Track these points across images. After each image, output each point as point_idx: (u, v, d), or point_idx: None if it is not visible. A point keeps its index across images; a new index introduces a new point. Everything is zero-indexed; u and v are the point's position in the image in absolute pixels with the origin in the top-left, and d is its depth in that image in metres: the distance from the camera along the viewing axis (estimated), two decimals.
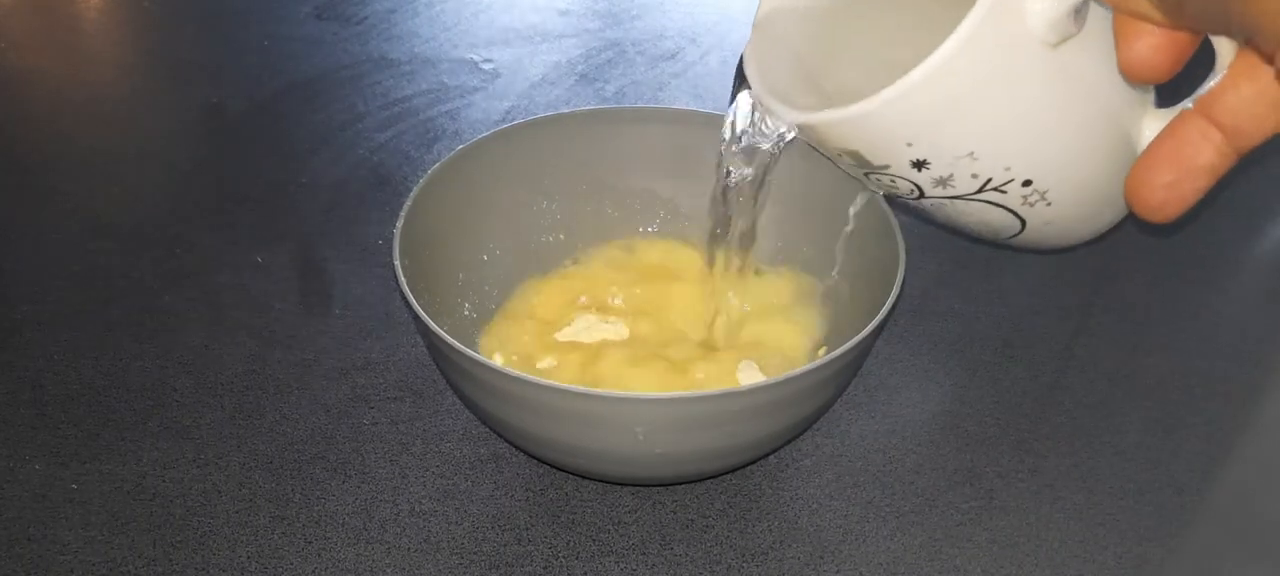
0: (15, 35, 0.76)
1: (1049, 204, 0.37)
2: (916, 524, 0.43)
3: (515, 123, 0.50)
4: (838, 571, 0.41)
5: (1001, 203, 0.36)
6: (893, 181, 0.37)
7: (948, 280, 0.55)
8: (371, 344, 0.50)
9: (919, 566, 0.41)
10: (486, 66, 0.72)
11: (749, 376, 0.45)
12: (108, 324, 0.51)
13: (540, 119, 0.50)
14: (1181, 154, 0.32)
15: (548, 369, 0.46)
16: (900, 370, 0.50)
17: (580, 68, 0.72)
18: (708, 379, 0.45)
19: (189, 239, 0.57)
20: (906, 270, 0.42)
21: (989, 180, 0.35)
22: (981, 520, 0.43)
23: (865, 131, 0.35)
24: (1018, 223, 0.38)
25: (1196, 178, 0.32)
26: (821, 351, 0.47)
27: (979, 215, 0.38)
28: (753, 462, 0.44)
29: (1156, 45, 0.31)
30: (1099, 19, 0.34)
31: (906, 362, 0.50)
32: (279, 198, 0.60)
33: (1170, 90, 0.35)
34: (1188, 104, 0.33)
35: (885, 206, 0.45)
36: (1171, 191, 0.32)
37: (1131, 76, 0.32)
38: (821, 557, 0.41)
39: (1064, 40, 0.33)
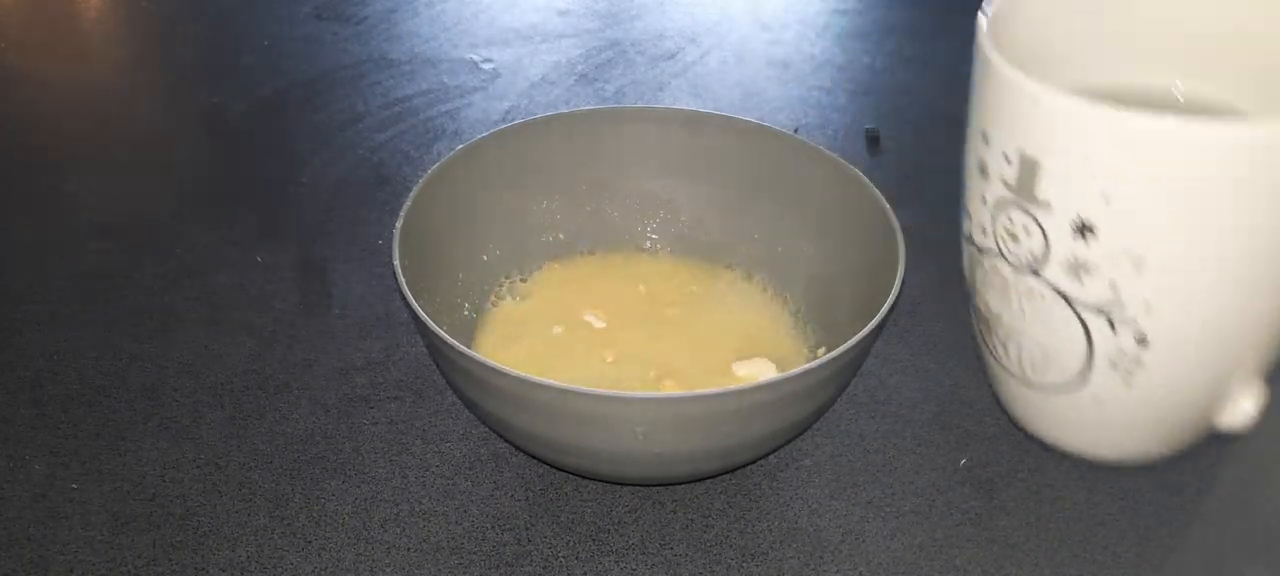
0: (15, 35, 0.76)
1: (1130, 385, 0.33)
2: (916, 524, 0.43)
3: (515, 123, 0.50)
4: (838, 571, 0.41)
5: (1097, 339, 0.32)
6: (1026, 228, 0.32)
7: (948, 280, 0.55)
8: (371, 344, 0.50)
9: (919, 566, 0.41)
10: (486, 66, 0.72)
11: (753, 373, 0.46)
12: (108, 324, 0.51)
13: (540, 119, 0.50)
14: None
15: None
16: (900, 370, 0.50)
17: (580, 68, 0.72)
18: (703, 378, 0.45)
19: (189, 239, 0.57)
20: (906, 270, 0.42)
21: (1120, 304, 0.31)
22: (981, 520, 0.43)
23: (1086, 142, 0.30)
24: (1079, 376, 0.33)
25: None
26: (821, 351, 0.47)
27: (1059, 337, 0.33)
28: (753, 462, 0.44)
29: None
30: None
31: (906, 362, 0.50)
32: (279, 198, 0.60)
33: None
34: None
35: (886, 207, 0.45)
36: None
37: None
38: (821, 557, 0.41)
39: None
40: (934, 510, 0.43)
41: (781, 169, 0.49)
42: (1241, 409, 0.34)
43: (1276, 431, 0.48)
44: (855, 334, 0.39)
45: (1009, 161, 0.32)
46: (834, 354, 0.38)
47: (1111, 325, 0.32)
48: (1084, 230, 0.31)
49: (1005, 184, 0.33)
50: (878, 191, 0.45)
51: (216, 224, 0.58)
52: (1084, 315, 0.32)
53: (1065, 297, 0.32)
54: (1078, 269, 0.32)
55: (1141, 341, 0.32)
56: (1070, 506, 0.44)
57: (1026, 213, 0.32)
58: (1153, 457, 0.35)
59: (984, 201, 0.34)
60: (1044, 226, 0.32)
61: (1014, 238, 0.33)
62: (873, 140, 0.65)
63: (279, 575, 0.40)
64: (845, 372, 0.41)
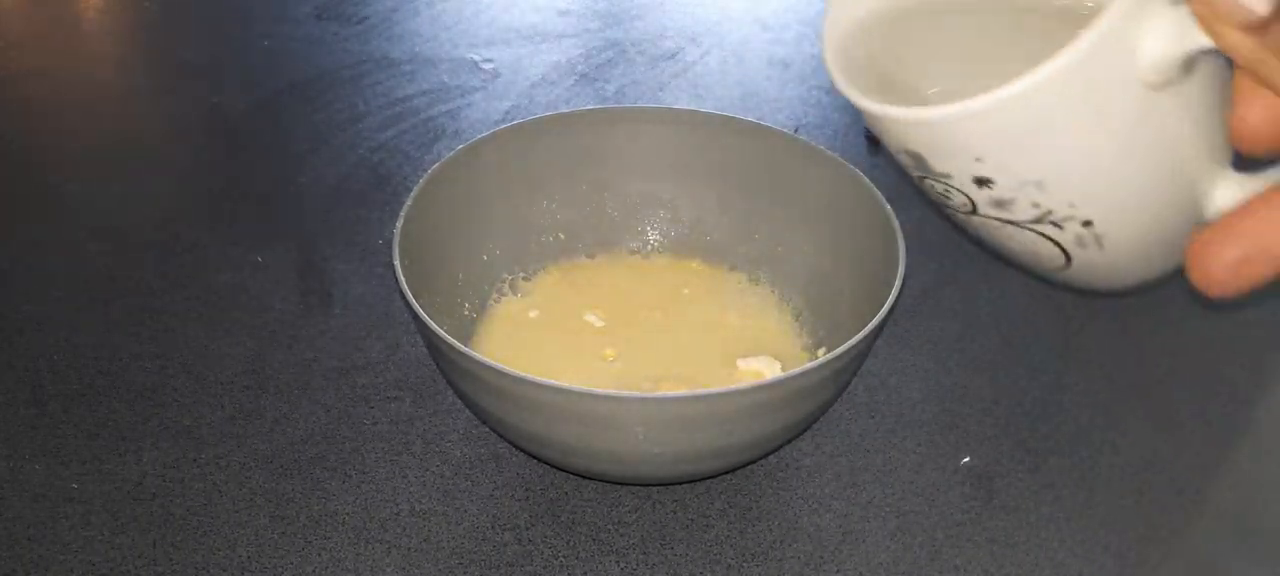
0: (15, 35, 0.76)
1: (1102, 248, 0.35)
2: (916, 524, 0.43)
3: (515, 122, 0.50)
4: (838, 571, 0.41)
5: (1054, 237, 0.35)
6: (947, 191, 0.36)
7: (948, 280, 0.55)
8: (371, 344, 0.50)
9: (919, 566, 0.41)
10: (486, 66, 0.72)
11: (758, 369, 0.46)
12: (108, 324, 0.51)
13: (540, 119, 0.50)
14: (1260, 233, 0.30)
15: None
16: (900, 370, 0.50)
17: (580, 68, 0.72)
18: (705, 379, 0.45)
19: (189, 239, 0.57)
20: (906, 270, 0.42)
21: (1049, 211, 0.34)
22: (981, 520, 0.43)
23: (937, 137, 0.34)
24: (1064, 259, 0.36)
25: (1271, 263, 0.30)
26: (821, 351, 0.47)
27: (1028, 244, 0.36)
28: (753, 462, 0.44)
29: (1272, 116, 0.29)
30: (1203, 72, 0.32)
31: (906, 362, 0.50)
32: (279, 198, 0.60)
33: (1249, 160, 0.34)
34: (1272, 175, 0.32)
35: (886, 206, 0.45)
36: (1238, 271, 0.30)
37: (1239, 142, 0.30)
38: (821, 557, 0.41)
39: (1167, 85, 0.31)
40: (934, 510, 0.43)
41: (781, 169, 0.49)
42: (1217, 204, 0.34)
43: (1277, 431, 0.48)
44: (855, 334, 0.39)
45: (902, 154, 0.36)
46: (834, 354, 0.38)
47: (1058, 225, 0.35)
48: (983, 183, 0.34)
49: (914, 169, 0.36)
50: (878, 191, 0.45)
51: (216, 224, 0.58)
52: (1031, 228, 0.35)
53: (1009, 222, 0.35)
54: (1000, 204, 0.34)
55: (1087, 223, 0.34)
56: (1070, 506, 0.44)
57: (940, 182, 0.35)
58: (1168, 273, 0.36)
59: (915, 182, 0.37)
60: (959, 188, 0.34)
61: (944, 195, 0.36)
62: (873, 140, 0.64)
63: (279, 575, 0.40)
64: (845, 372, 0.40)
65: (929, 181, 0.37)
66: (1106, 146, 0.33)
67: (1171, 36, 0.30)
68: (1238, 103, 0.30)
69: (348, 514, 0.43)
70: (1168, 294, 0.54)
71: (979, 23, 0.40)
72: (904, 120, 0.34)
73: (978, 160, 0.33)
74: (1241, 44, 0.27)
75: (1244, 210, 0.31)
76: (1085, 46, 0.29)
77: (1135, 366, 0.50)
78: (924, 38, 0.41)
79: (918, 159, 0.36)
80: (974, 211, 0.36)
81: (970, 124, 0.32)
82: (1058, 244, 0.36)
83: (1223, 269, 0.30)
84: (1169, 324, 0.52)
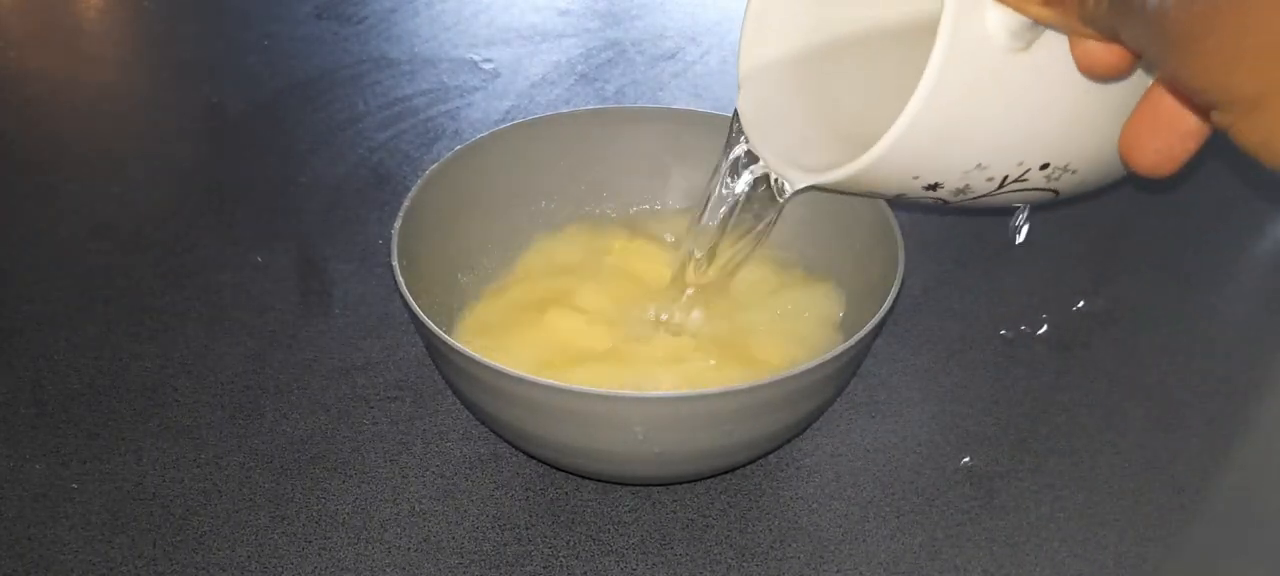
0: (15, 35, 0.76)
1: (1077, 172, 0.36)
2: (916, 524, 0.43)
3: (515, 122, 0.50)
4: (838, 571, 0.41)
5: (1026, 187, 0.36)
6: (913, 201, 0.38)
7: (948, 280, 0.55)
8: (371, 344, 0.50)
9: (919, 566, 0.41)
10: (486, 66, 0.72)
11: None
12: (108, 324, 0.51)
13: (540, 119, 0.50)
14: (1169, 119, 0.32)
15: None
16: (900, 370, 0.50)
17: (580, 68, 0.72)
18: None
19: (189, 239, 0.57)
20: (906, 270, 0.42)
21: (1006, 177, 0.35)
22: (981, 520, 0.43)
23: (867, 180, 0.35)
24: (1051, 193, 0.38)
25: (1186, 140, 0.32)
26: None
27: (1012, 200, 0.38)
28: (753, 462, 0.44)
29: (1107, 48, 0.31)
30: None
31: (906, 362, 0.50)
32: (279, 198, 0.60)
33: None
34: None
35: (886, 205, 0.45)
36: (1163, 154, 0.32)
37: (1089, 73, 0.32)
38: (821, 557, 0.41)
39: (1033, 42, 0.33)
40: (934, 510, 0.43)
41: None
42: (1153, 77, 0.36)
43: (1277, 431, 0.48)
44: (855, 333, 0.39)
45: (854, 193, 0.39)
46: (834, 353, 0.38)
47: (1022, 180, 0.36)
48: (934, 187, 0.36)
49: (868, 196, 0.40)
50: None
51: (216, 224, 0.58)
52: (1003, 192, 0.37)
53: (981, 198, 0.37)
54: (961, 192, 0.36)
55: (1044, 166, 0.36)
56: (1070, 506, 0.44)
57: (903, 200, 0.38)
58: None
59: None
60: (919, 198, 0.37)
61: (915, 202, 0.38)
62: None
63: (279, 575, 0.40)
64: (845, 372, 0.41)
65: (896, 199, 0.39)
66: (1016, 113, 0.34)
67: (1006, 13, 0.31)
68: (1073, 44, 0.32)
69: (348, 514, 0.43)
70: (1167, 294, 0.54)
71: (880, 47, 0.42)
72: (827, 182, 0.36)
73: (915, 177, 0.35)
74: (1045, 14, 0.30)
75: (1151, 99, 0.32)
76: (939, 61, 0.31)
77: (1135, 366, 0.50)
78: (836, 73, 0.43)
79: (872, 194, 0.38)
80: (947, 204, 0.37)
81: (885, 162, 0.34)
82: (1034, 189, 0.37)
83: (1150, 156, 0.33)
84: (1169, 324, 0.52)
